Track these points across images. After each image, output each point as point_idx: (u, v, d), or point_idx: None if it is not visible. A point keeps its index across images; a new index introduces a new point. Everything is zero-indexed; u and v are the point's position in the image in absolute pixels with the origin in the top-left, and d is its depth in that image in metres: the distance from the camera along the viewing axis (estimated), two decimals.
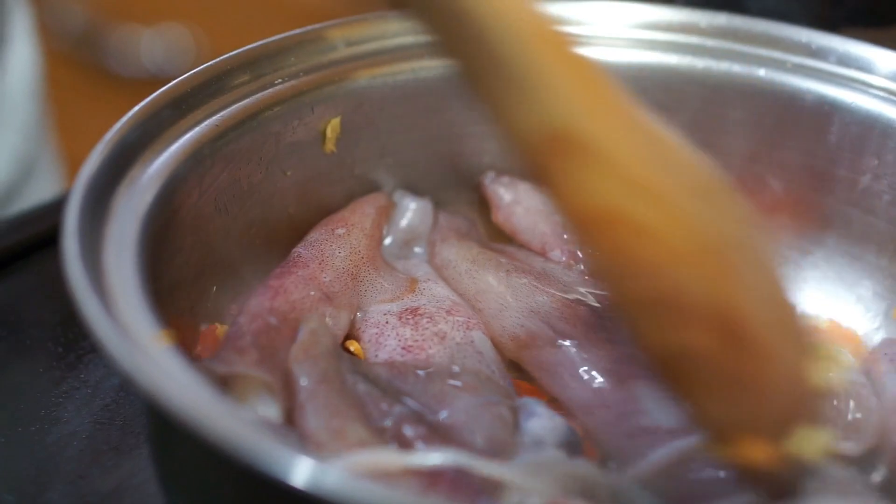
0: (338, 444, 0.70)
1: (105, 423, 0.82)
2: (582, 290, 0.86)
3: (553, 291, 0.86)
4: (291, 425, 0.73)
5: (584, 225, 0.66)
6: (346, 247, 0.87)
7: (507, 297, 0.86)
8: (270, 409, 0.74)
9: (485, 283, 0.88)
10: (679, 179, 0.67)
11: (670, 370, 0.68)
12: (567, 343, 0.81)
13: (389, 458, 0.68)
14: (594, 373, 0.79)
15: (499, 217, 0.95)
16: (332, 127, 0.91)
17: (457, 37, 0.66)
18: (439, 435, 0.73)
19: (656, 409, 0.76)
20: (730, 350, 0.66)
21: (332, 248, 0.87)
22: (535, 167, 0.66)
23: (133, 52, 2.43)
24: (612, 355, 0.79)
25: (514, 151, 0.67)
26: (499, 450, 0.73)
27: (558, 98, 0.64)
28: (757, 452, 0.67)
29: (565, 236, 0.93)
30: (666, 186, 0.66)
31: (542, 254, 0.93)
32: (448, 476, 0.68)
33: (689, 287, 0.66)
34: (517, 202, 0.95)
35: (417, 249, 0.94)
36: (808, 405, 0.70)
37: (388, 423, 0.73)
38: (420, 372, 0.79)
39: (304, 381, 0.75)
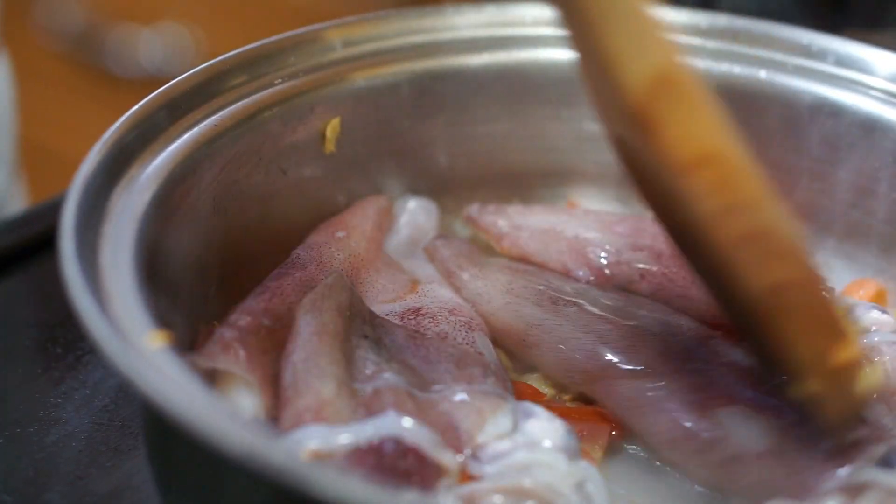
0: (299, 401, 0.71)
1: (104, 423, 0.82)
2: (637, 312, 0.85)
3: (612, 317, 0.84)
4: (275, 422, 0.73)
5: (689, 166, 0.68)
6: (346, 250, 0.87)
7: (564, 329, 0.84)
8: (252, 407, 0.73)
9: (531, 316, 0.86)
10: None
11: (765, 307, 0.71)
12: (642, 376, 0.80)
13: (322, 435, 0.68)
14: (675, 405, 0.78)
15: (504, 245, 0.94)
16: (332, 127, 0.90)
17: None
18: (420, 409, 0.73)
19: (742, 434, 0.76)
20: (813, 278, 0.71)
21: (330, 251, 0.86)
22: (641, 114, 0.68)
23: (131, 52, 2.43)
24: (690, 385, 0.79)
25: (616, 105, 0.69)
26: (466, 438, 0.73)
27: (657, 41, 0.68)
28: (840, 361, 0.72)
29: (589, 250, 0.91)
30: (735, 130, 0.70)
31: (565, 273, 0.91)
32: (376, 453, 0.68)
33: (779, 221, 0.70)
34: (518, 227, 0.94)
35: None
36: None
37: (368, 387, 0.73)
38: (435, 347, 0.79)
39: (300, 331, 0.75)
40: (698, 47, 0.98)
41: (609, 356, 0.81)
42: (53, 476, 0.78)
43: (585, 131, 0.99)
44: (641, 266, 0.90)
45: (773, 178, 0.95)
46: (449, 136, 0.97)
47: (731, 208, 0.69)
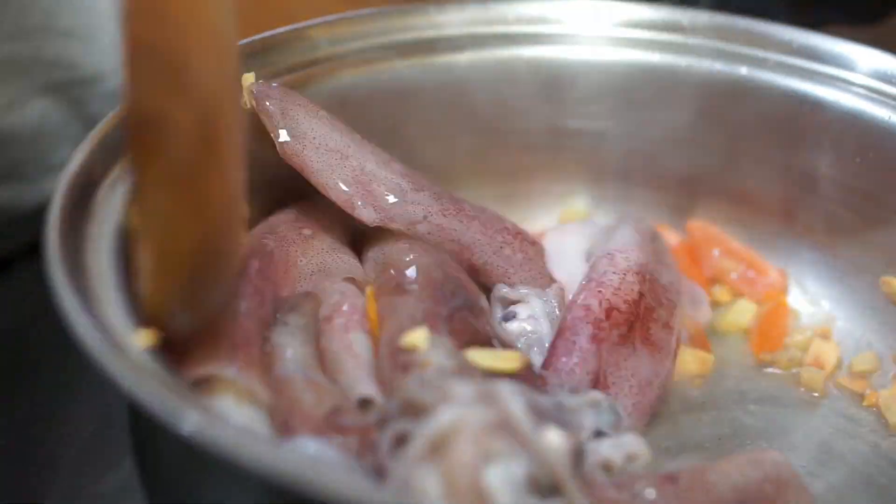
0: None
1: (105, 423, 0.82)
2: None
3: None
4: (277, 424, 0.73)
5: None
6: (310, 255, 0.86)
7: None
8: (249, 412, 0.72)
9: None
10: None
11: (137, 138, 0.65)
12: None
13: None
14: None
15: (285, 150, 0.85)
16: None
17: None
18: None
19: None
20: (202, 144, 0.65)
21: (296, 253, 0.85)
22: None
23: None
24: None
25: None
26: None
27: None
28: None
29: (374, 187, 0.86)
30: None
31: (350, 209, 0.86)
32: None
33: (194, 57, 0.64)
34: (304, 135, 0.86)
35: None
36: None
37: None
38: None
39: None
40: (679, 44, 0.98)
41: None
42: (54, 476, 0.79)
43: (568, 128, 1.00)
44: (423, 206, 0.87)
45: (754, 174, 0.97)
46: (433, 133, 0.97)
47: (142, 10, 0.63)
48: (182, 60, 0.63)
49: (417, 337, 0.76)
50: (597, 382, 0.81)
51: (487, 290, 0.88)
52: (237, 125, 0.68)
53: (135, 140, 0.64)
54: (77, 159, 0.73)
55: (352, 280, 0.85)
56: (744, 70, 0.97)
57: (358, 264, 0.88)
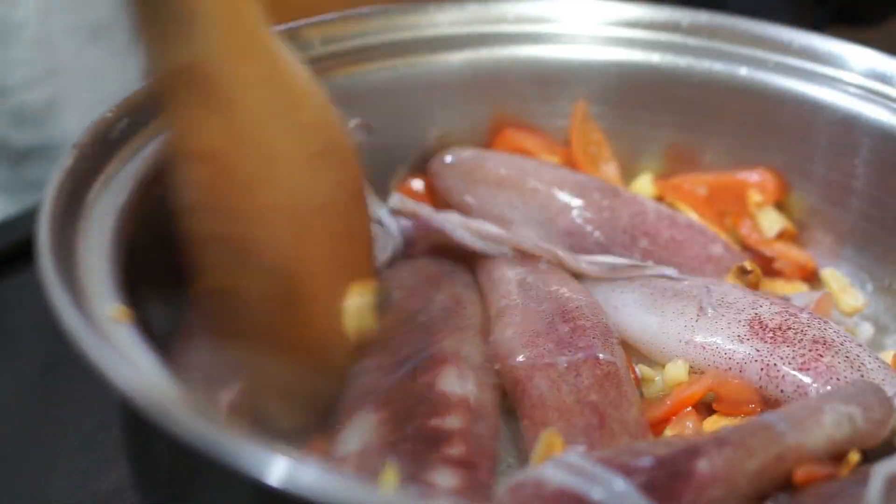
0: None
1: (106, 422, 0.82)
2: None
3: None
4: None
5: (185, 156, 0.70)
6: None
7: None
8: None
9: None
10: (301, 143, 0.71)
11: (217, 306, 0.73)
12: None
13: None
14: None
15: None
16: None
17: None
18: None
19: None
20: (282, 306, 0.72)
21: None
22: (166, 95, 0.70)
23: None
24: None
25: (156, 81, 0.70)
26: None
27: (202, 34, 0.67)
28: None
29: None
30: (282, 149, 0.71)
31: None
32: None
33: (261, 239, 0.71)
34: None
35: None
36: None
37: None
38: None
39: None
40: (679, 44, 0.98)
41: None
42: (54, 475, 0.79)
43: (563, 129, 0.99)
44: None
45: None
46: (430, 134, 0.97)
47: (212, 208, 0.71)
48: (248, 245, 0.71)
49: None
50: None
51: None
52: (325, 279, 0.74)
53: (211, 306, 0.73)
54: (71, 154, 0.73)
55: None
56: (743, 71, 0.96)
57: None
